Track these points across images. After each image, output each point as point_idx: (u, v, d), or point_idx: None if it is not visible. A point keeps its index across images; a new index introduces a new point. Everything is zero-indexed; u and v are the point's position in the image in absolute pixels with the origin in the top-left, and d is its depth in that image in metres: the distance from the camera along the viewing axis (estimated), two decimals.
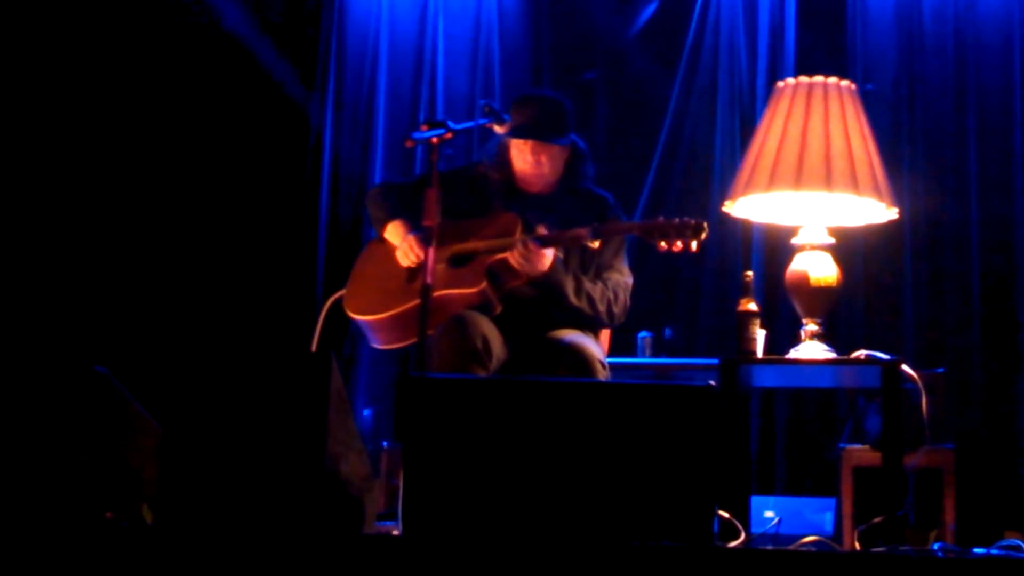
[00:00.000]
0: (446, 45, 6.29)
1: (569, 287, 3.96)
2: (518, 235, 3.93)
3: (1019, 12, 5.77)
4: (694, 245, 3.81)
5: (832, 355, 3.87)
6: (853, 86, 4.00)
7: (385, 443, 5.28)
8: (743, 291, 3.89)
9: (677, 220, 3.82)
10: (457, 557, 2.61)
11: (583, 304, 3.98)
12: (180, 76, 6.10)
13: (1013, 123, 5.70)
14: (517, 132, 3.97)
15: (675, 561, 2.57)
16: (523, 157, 4.06)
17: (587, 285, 4.00)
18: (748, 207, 4.07)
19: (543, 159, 4.05)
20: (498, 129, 3.89)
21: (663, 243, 3.81)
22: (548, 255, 3.91)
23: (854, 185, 3.83)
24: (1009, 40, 5.77)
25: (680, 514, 2.74)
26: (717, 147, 6.00)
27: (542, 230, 3.94)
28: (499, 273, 3.92)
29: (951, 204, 5.71)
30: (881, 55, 5.90)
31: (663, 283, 5.85)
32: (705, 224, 3.81)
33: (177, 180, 6.07)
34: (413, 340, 3.73)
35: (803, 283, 3.90)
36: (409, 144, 3.80)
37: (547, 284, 3.93)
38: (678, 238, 3.80)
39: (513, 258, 3.88)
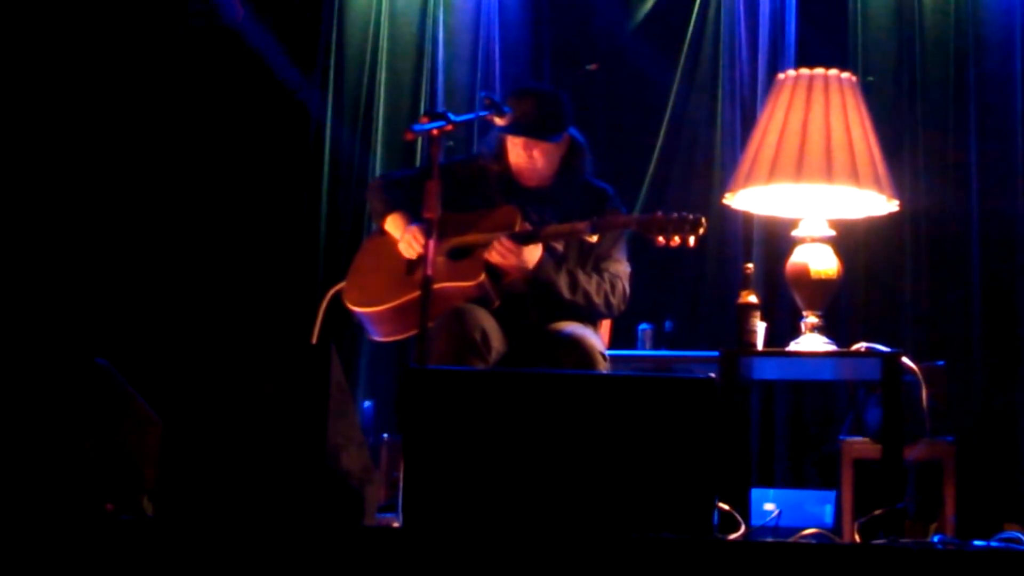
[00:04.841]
0: (446, 36, 6.29)
1: (563, 283, 3.93)
2: (517, 227, 3.92)
3: (1020, 3, 5.76)
4: (692, 241, 3.78)
5: (832, 347, 3.87)
6: (854, 78, 4.00)
7: (385, 435, 5.29)
8: (743, 283, 3.89)
9: (675, 215, 3.79)
10: (457, 549, 2.61)
11: (579, 298, 3.95)
12: (179, 67, 6.10)
13: (1014, 115, 5.69)
14: (509, 128, 3.96)
15: (675, 553, 2.57)
16: (516, 152, 4.05)
17: (582, 279, 3.97)
18: (749, 199, 4.06)
19: (535, 154, 4.04)
20: (498, 121, 3.88)
21: (661, 238, 3.78)
22: (533, 252, 3.90)
23: (855, 177, 3.83)
24: (1010, 31, 5.76)
25: (680, 506, 2.74)
26: (718, 139, 5.99)
27: (520, 227, 3.91)
28: (496, 267, 3.91)
29: (952, 196, 5.71)
30: (882, 47, 5.89)
31: (664, 275, 5.85)
32: (703, 220, 3.79)
33: (177, 172, 6.07)
34: (413, 332, 3.72)
35: (804, 275, 3.90)
36: (409, 136, 3.79)
37: (538, 282, 3.92)
38: (676, 233, 3.77)
39: (491, 256, 3.87)
